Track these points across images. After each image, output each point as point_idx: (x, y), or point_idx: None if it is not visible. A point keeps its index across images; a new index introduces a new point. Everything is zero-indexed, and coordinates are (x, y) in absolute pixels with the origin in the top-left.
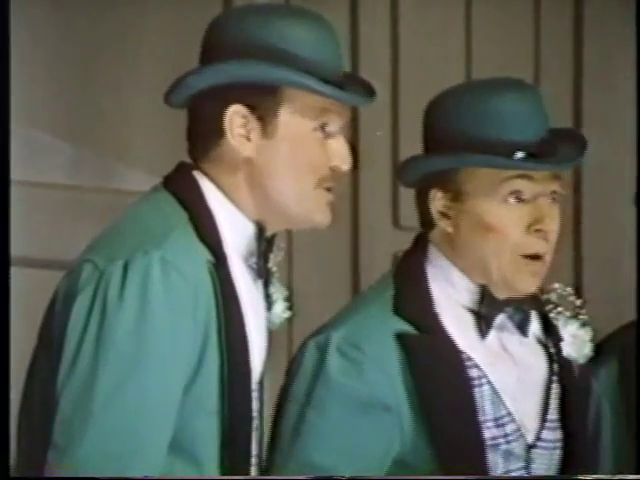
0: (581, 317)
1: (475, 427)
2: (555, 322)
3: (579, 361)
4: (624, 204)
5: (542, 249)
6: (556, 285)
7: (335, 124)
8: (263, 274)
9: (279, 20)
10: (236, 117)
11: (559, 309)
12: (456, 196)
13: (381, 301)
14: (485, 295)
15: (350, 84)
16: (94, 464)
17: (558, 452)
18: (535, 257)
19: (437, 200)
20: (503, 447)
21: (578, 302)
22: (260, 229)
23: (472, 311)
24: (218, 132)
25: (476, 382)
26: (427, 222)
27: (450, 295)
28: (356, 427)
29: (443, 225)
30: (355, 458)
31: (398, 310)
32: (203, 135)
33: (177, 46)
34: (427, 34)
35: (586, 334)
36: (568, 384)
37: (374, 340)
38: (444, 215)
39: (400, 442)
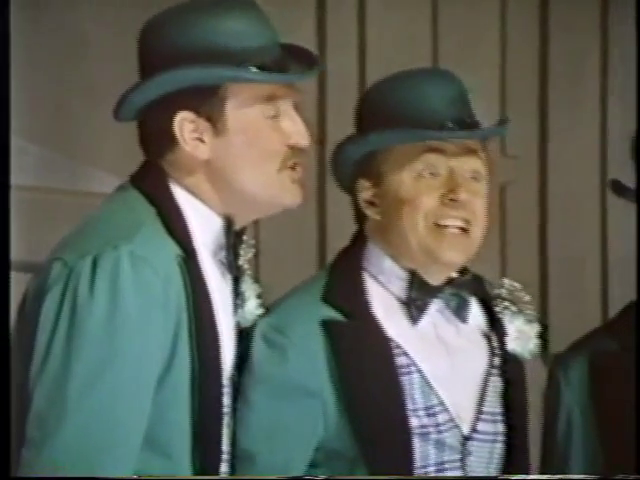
0: (528, 313)
1: (401, 415)
2: (501, 316)
3: (524, 356)
4: (590, 204)
5: (459, 220)
6: (505, 280)
7: (285, 105)
8: (233, 269)
9: (206, 17)
10: (185, 123)
11: (505, 304)
12: (378, 180)
13: (312, 290)
14: (415, 280)
15: (291, 60)
16: (69, 458)
17: (499, 446)
18: (454, 227)
19: (364, 190)
20: (434, 436)
21: (526, 298)
22: (228, 222)
23: (404, 299)
24: (171, 140)
25: (404, 370)
26: (358, 215)
27: (383, 284)
28: (280, 413)
29: (371, 214)
30: (279, 444)
31: (327, 298)
32: (157, 144)
33: None
34: (394, 35)
35: (532, 330)
36: (511, 378)
37: (299, 326)
38: (371, 204)
39: (324, 428)
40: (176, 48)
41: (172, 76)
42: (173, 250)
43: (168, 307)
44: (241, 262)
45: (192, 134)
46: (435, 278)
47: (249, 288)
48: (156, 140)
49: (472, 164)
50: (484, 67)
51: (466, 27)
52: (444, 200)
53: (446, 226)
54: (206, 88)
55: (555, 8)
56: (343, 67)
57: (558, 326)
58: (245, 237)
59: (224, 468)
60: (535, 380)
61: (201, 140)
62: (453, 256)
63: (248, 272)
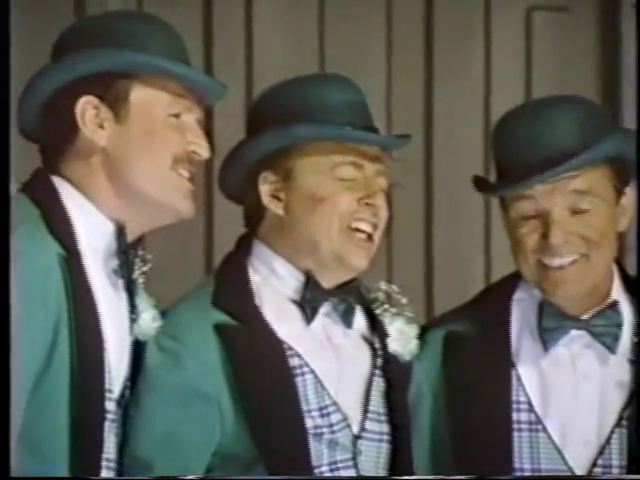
0: (406, 314)
1: (297, 416)
2: (381, 318)
3: (404, 357)
4: (474, 207)
5: (371, 225)
6: (382, 284)
7: (189, 116)
8: (125, 276)
9: (130, 20)
10: (88, 107)
11: (385, 306)
12: (288, 175)
13: (200, 296)
14: (310, 281)
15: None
16: None
17: (385, 445)
18: (364, 232)
19: (268, 183)
20: (327, 436)
21: (404, 300)
22: (120, 228)
23: (296, 300)
24: (72, 127)
25: (298, 371)
26: (254, 216)
27: (274, 286)
28: (175, 419)
29: (274, 208)
30: (175, 450)
31: (217, 302)
32: (57, 135)
33: None
34: (281, 35)
35: (412, 330)
36: (393, 379)
37: (193, 331)
38: (275, 198)
39: (220, 432)
40: (89, 33)
41: (77, 58)
42: (54, 248)
43: (48, 302)
44: (135, 275)
45: (93, 119)
46: (329, 281)
47: (143, 301)
48: (58, 130)
49: (380, 174)
50: (371, 72)
51: (352, 28)
52: (360, 203)
53: (357, 230)
54: (113, 75)
55: (439, 9)
56: (230, 69)
57: None
58: (141, 251)
59: (108, 475)
60: None
61: (101, 126)
62: (359, 261)
63: (142, 285)
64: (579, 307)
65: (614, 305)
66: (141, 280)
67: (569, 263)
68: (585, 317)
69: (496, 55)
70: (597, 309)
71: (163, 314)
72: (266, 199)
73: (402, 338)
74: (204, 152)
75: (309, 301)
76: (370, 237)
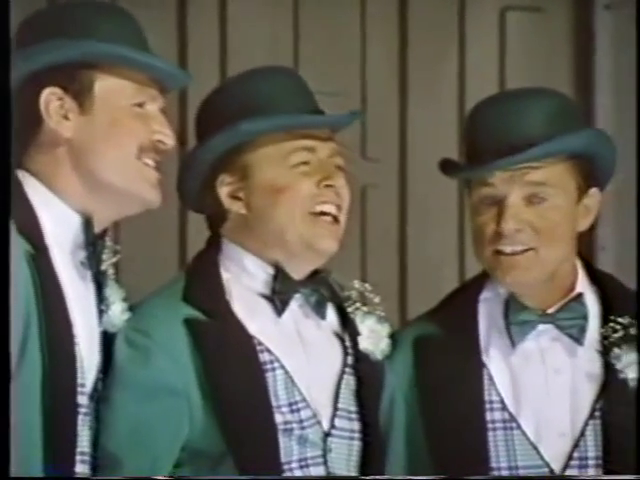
0: (378, 313)
1: (266, 411)
2: (353, 317)
3: (376, 355)
4: (448, 207)
5: (334, 207)
6: (355, 282)
7: (153, 105)
8: (94, 269)
9: (91, 10)
10: (52, 99)
11: (357, 304)
12: (244, 174)
13: (171, 292)
14: (279, 273)
15: None
16: None
17: (357, 443)
18: (329, 215)
19: (226, 185)
20: (297, 432)
21: (377, 299)
22: (87, 220)
23: (266, 294)
24: (37, 119)
25: (268, 366)
26: (217, 218)
27: (243, 282)
28: (143, 414)
29: (236, 208)
30: (143, 445)
31: (187, 298)
32: (23, 127)
33: None
34: (255, 36)
35: (383, 329)
36: (364, 377)
37: (162, 326)
38: (235, 198)
39: (189, 427)
40: (51, 23)
41: (43, 50)
42: (22, 246)
43: (16, 302)
44: (104, 267)
45: (58, 110)
46: (299, 272)
47: (114, 293)
48: (23, 123)
49: (335, 154)
50: (346, 69)
51: (327, 28)
52: (320, 186)
53: (321, 213)
54: (77, 66)
55: (414, 9)
56: (204, 69)
57: None
58: (108, 242)
59: (83, 469)
60: None
61: (66, 117)
62: (328, 244)
63: (112, 277)
64: (544, 302)
65: (579, 297)
66: (111, 272)
67: (520, 251)
68: (551, 311)
69: (470, 54)
70: (562, 302)
71: (133, 308)
72: (227, 201)
73: (373, 337)
74: (169, 141)
75: (279, 293)
76: (335, 219)
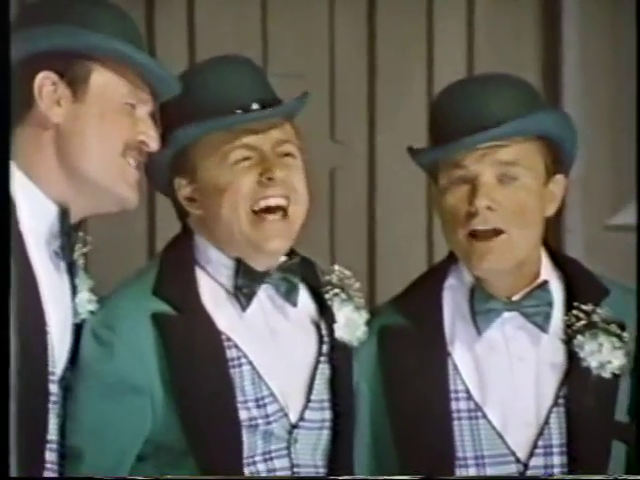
0: (356, 300)
1: (230, 408)
2: (330, 304)
3: (352, 344)
4: (416, 189)
5: (281, 198)
6: (335, 267)
7: (143, 108)
8: (67, 259)
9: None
10: (46, 82)
11: (335, 290)
12: (193, 176)
13: (141, 283)
14: (241, 268)
15: None
16: None
17: (326, 432)
18: (277, 209)
19: (182, 188)
20: (262, 428)
21: (356, 285)
22: (63, 210)
23: (231, 288)
24: (28, 100)
25: (235, 362)
26: (181, 213)
27: (211, 275)
28: (105, 409)
29: (193, 209)
30: (105, 440)
31: (157, 291)
32: (16, 107)
33: None
34: (223, 16)
35: (360, 317)
36: (338, 365)
37: (128, 321)
38: (191, 200)
39: (152, 422)
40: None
41: (44, 33)
42: None
43: None
44: (76, 257)
45: (51, 95)
46: (261, 264)
47: (81, 282)
48: (16, 102)
49: (281, 142)
50: (313, 51)
51: (295, 9)
52: (261, 180)
53: (267, 210)
54: (76, 54)
55: (382, 5)
56: (172, 55)
57: None
58: (81, 233)
59: (51, 457)
60: None
61: (58, 103)
62: (275, 245)
63: (81, 266)
64: (509, 289)
65: (544, 284)
66: (81, 261)
67: (493, 233)
68: (516, 298)
69: (439, 37)
70: (527, 290)
71: (103, 299)
72: (184, 203)
73: (350, 325)
74: (153, 143)
75: (241, 288)
76: (285, 212)
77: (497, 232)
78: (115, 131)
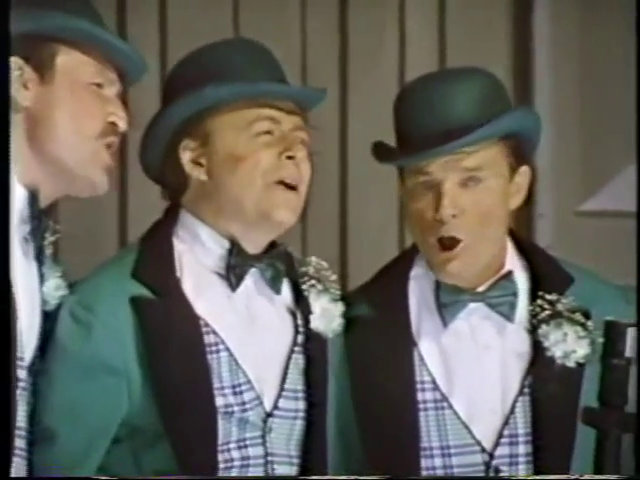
0: (332, 291)
1: (206, 394)
2: (306, 294)
3: (327, 334)
4: (389, 174)
5: (295, 177)
6: (312, 258)
7: (111, 88)
8: (37, 243)
9: None
10: (12, 67)
11: (312, 282)
12: (205, 140)
13: (120, 265)
14: (234, 247)
15: None
16: None
17: (300, 422)
18: (289, 186)
19: (189, 150)
20: (238, 415)
21: (333, 277)
22: (33, 194)
23: (220, 270)
24: None
25: (213, 348)
26: (178, 186)
27: (198, 257)
28: (81, 390)
29: (196, 174)
30: (80, 420)
31: (136, 274)
32: None
33: None
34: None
35: (336, 309)
36: (313, 356)
37: (106, 303)
38: (197, 164)
39: (128, 404)
40: None
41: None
42: None
43: None
44: (45, 244)
45: (17, 79)
46: (254, 246)
47: (49, 269)
48: None
49: (298, 128)
50: (285, 38)
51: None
52: (281, 157)
53: (280, 183)
54: (40, 37)
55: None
56: (144, 43)
57: None
58: (51, 222)
59: (19, 444)
60: None
61: (25, 87)
62: (284, 215)
63: (49, 255)
64: (475, 280)
65: (508, 275)
66: (49, 250)
67: (458, 241)
68: (481, 289)
69: (410, 23)
70: (492, 280)
71: (72, 285)
72: (188, 166)
73: (326, 316)
74: (122, 124)
75: (234, 267)
76: (296, 190)
77: (462, 240)
78: (85, 112)
